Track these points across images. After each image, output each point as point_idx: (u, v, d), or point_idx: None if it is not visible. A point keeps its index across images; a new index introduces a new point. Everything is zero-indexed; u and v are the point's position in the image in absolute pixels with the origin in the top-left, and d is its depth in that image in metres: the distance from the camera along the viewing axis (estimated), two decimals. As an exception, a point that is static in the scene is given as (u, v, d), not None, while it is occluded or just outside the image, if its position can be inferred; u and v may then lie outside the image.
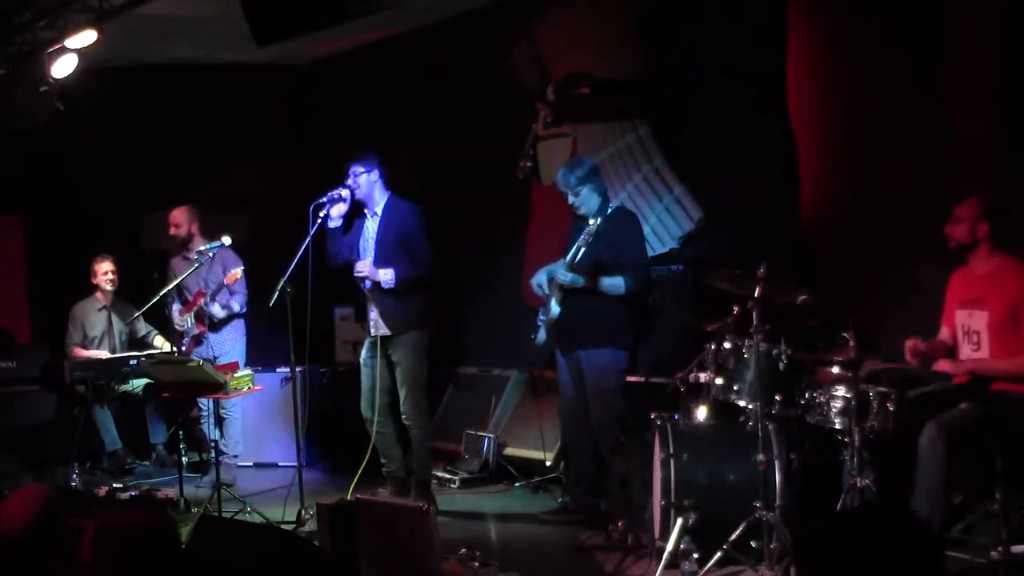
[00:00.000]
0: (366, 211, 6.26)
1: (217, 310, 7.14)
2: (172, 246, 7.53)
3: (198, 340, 7.21)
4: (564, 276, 5.65)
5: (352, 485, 6.21)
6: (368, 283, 6.13)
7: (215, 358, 7.19)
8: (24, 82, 6.98)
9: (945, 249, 4.94)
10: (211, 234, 7.26)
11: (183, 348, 7.14)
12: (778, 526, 4.60)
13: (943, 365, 4.89)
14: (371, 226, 6.24)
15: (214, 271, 7.14)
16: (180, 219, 7.31)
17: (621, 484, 5.73)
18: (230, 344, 7.32)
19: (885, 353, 4.95)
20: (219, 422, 7.34)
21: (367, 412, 6.27)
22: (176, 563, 2.95)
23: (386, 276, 6.05)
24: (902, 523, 3.42)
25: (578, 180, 5.76)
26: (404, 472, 6.30)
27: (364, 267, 6.10)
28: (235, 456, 7.35)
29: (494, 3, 7.57)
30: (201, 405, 7.21)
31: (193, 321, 7.15)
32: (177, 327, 7.22)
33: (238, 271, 6.99)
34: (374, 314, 6.18)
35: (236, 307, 7.25)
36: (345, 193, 6.11)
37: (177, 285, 7.23)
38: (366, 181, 6.14)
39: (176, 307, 7.31)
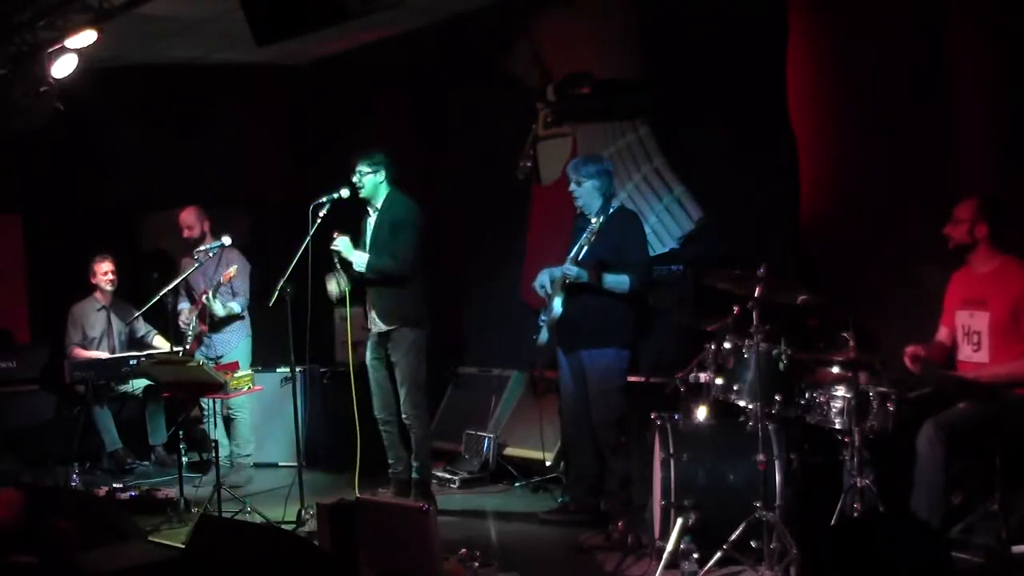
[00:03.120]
0: (369, 208, 6.28)
1: (217, 308, 7.15)
2: (182, 247, 7.53)
3: (200, 339, 7.23)
4: (571, 270, 5.65)
5: (356, 482, 6.24)
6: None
7: (218, 358, 7.21)
8: (24, 82, 6.97)
9: (945, 249, 4.94)
10: (220, 234, 7.31)
11: (186, 347, 7.15)
12: (778, 526, 4.60)
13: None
14: (371, 222, 6.26)
15: (219, 271, 7.15)
16: (191, 220, 7.32)
17: (621, 484, 5.73)
18: (233, 344, 7.35)
19: (885, 353, 4.95)
20: (226, 423, 7.36)
21: (378, 412, 6.30)
22: None
23: (359, 259, 6.07)
24: (908, 526, 3.42)
25: (587, 174, 5.79)
26: (408, 474, 6.31)
27: (342, 243, 6.10)
28: (247, 455, 7.37)
29: (494, 3, 7.57)
30: (203, 405, 7.21)
31: (197, 320, 7.17)
32: (182, 325, 7.23)
33: (232, 270, 7.01)
34: (372, 311, 6.21)
35: (236, 308, 7.27)
36: (345, 193, 6.12)
37: (187, 284, 7.28)
38: (371, 181, 6.16)
39: (184, 305, 7.33)
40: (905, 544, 3.53)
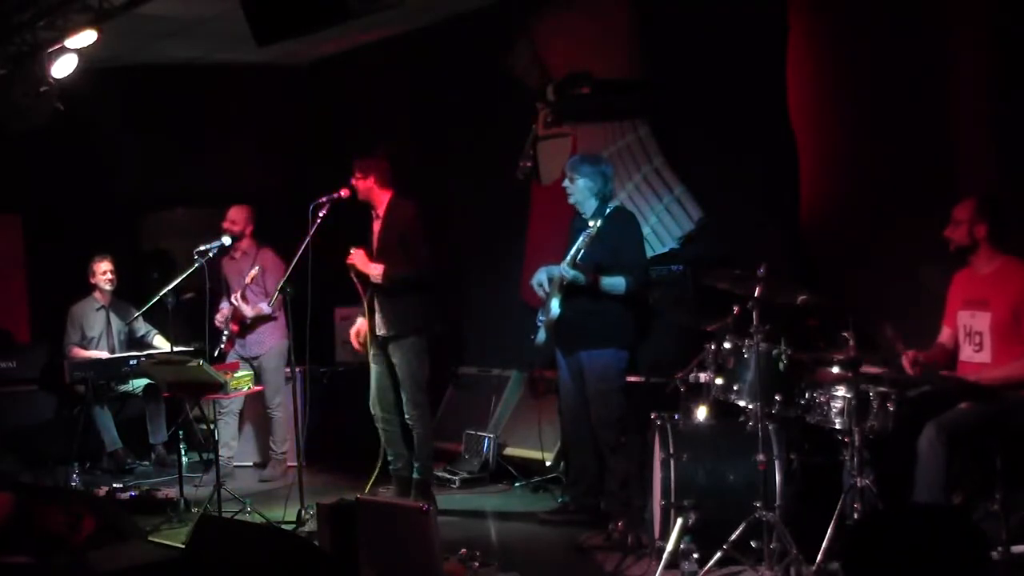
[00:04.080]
0: (372, 212, 6.28)
1: (246, 310, 7.19)
2: (183, 247, 7.51)
3: (233, 340, 7.27)
4: (568, 272, 5.64)
5: (369, 485, 6.31)
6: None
7: (253, 358, 7.25)
8: (24, 82, 6.98)
9: (946, 249, 4.94)
10: (259, 237, 7.43)
11: (221, 347, 7.18)
12: (778, 526, 4.60)
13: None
14: (375, 226, 6.27)
15: (250, 272, 7.15)
16: (237, 216, 7.32)
17: (621, 484, 5.73)
18: (267, 345, 7.37)
19: (885, 354, 4.95)
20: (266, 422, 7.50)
21: (374, 409, 6.32)
22: None
23: (375, 271, 6.07)
24: (954, 523, 3.43)
25: (581, 172, 5.77)
26: (409, 472, 6.32)
27: (357, 257, 6.12)
28: (283, 452, 7.42)
29: (494, 3, 7.57)
30: (221, 404, 7.19)
31: (229, 321, 7.19)
32: (218, 325, 7.24)
33: (254, 272, 7.05)
34: (377, 314, 6.22)
35: (266, 309, 7.28)
36: (345, 193, 6.13)
37: (227, 284, 7.34)
38: (361, 186, 6.19)
39: (225, 305, 7.34)
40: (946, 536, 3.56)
